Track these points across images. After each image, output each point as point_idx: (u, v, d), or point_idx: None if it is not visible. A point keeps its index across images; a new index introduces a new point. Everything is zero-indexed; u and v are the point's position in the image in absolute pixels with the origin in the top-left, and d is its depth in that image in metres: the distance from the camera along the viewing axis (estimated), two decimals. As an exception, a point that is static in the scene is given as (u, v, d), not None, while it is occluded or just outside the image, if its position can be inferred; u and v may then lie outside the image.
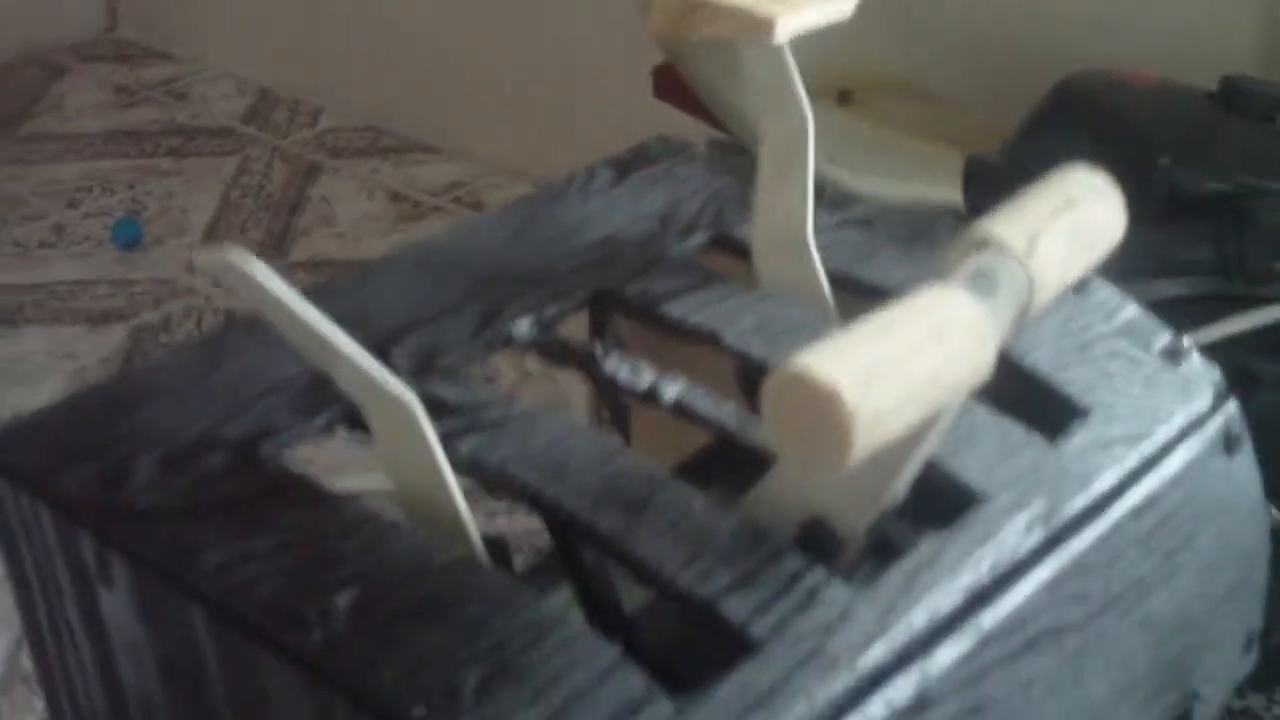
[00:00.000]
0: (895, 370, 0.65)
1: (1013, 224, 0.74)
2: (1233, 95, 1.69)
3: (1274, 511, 1.52)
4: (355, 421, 0.86)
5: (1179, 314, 1.03)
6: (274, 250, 2.80)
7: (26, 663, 2.02)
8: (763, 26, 0.86)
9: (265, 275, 0.73)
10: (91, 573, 0.82)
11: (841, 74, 2.01)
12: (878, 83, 2.05)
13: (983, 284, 0.71)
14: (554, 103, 2.81)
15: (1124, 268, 0.99)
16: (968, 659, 0.77)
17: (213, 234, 2.95)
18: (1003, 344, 0.71)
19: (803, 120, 0.92)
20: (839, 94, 2.03)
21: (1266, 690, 1.95)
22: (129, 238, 2.93)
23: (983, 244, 0.73)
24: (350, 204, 2.99)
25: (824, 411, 0.63)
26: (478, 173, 2.99)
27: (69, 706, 0.90)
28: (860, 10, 0.92)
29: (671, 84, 2.11)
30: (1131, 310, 0.96)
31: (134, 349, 2.56)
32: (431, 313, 0.93)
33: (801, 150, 0.92)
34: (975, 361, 0.69)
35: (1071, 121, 1.70)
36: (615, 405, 1.02)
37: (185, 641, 0.78)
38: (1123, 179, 1.01)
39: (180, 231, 2.99)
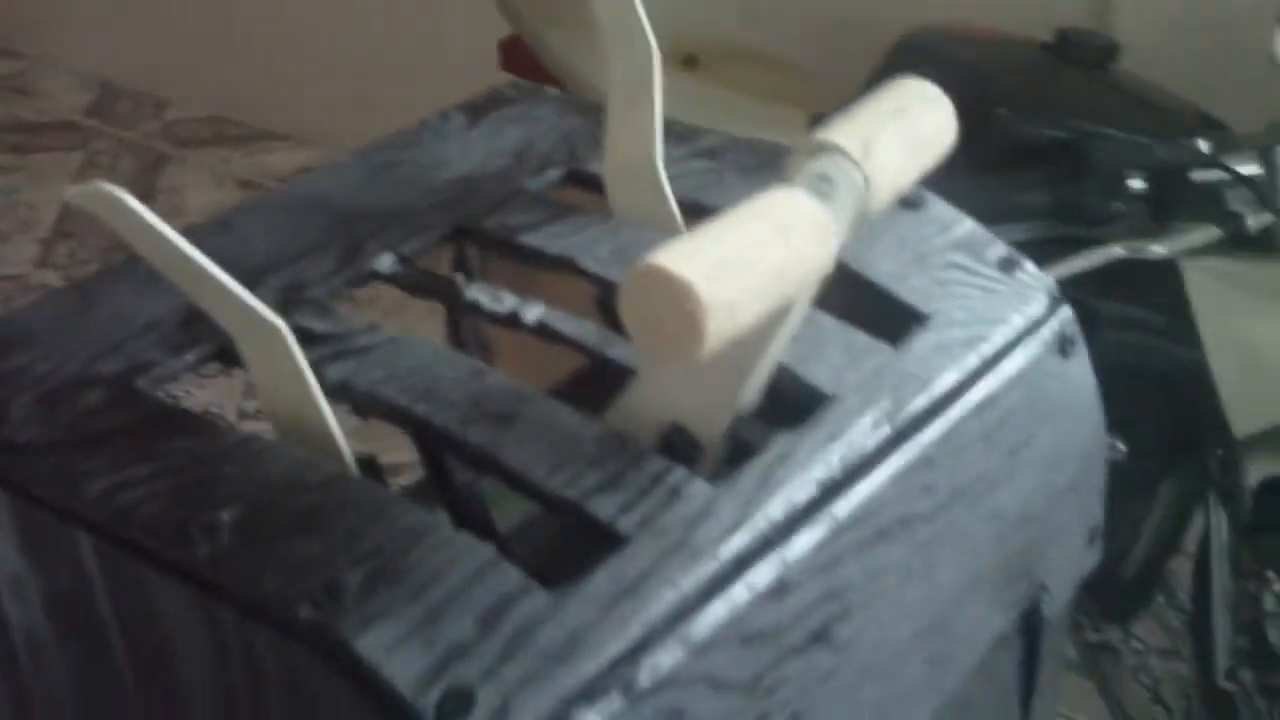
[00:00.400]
0: (744, 264, 0.70)
1: (848, 130, 0.79)
2: (1066, 45, 1.76)
3: (1118, 445, 1.59)
4: (226, 357, 0.88)
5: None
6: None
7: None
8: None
9: (137, 206, 0.75)
10: (-27, 513, 0.83)
11: (687, 40, 2.05)
12: (722, 48, 2.10)
13: (822, 186, 0.76)
14: (400, 80, 2.82)
15: (967, 213, 1.04)
16: (823, 546, 0.81)
17: (61, 229, 2.93)
18: (842, 242, 0.76)
19: (648, 54, 0.95)
20: (684, 59, 2.07)
21: (1122, 623, 2.02)
22: (-23, 235, 2.90)
23: (820, 149, 0.78)
24: (200, 193, 2.99)
25: (678, 304, 0.67)
26: (327, 156, 3.01)
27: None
28: None
29: (519, 56, 2.14)
30: (967, 225, 1.01)
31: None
32: (294, 252, 0.96)
33: (647, 83, 0.96)
34: (818, 257, 0.73)
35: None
36: (474, 337, 1.06)
37: (72, 572, 0.80)
38: (962, 127, 1.06)
39: (27, 227, 2.98)
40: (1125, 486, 1.73)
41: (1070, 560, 1.02)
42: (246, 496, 0.77)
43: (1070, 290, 1.02)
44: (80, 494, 0.79)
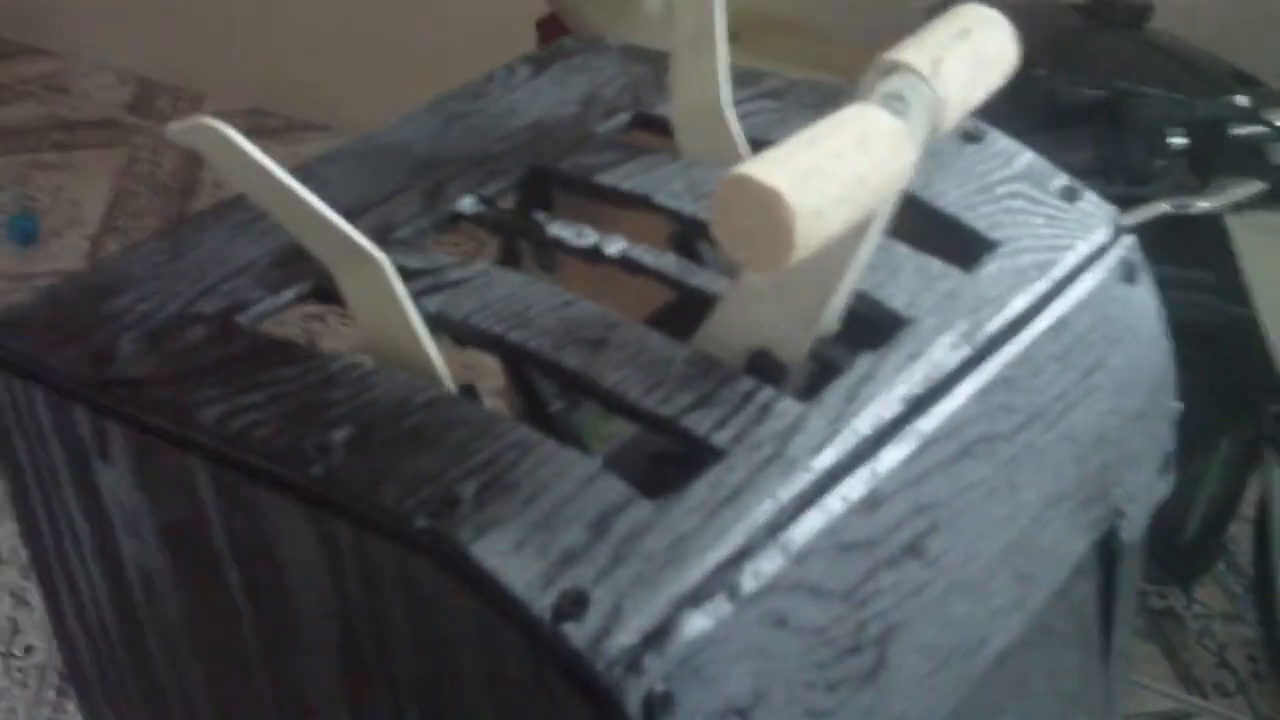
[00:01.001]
0: (828, 173, 0.72)
1: (918, 50, 0.81)
2: (1100, 7, 1.78)
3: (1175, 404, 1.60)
4: (322, 294, 0.91)
5: None
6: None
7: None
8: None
9: (242, 141, 0.78)
10: (89, 449, 0.86)
11: (729, 15, 2.08)
12: (762, 21, 2.12)
13: (896, 103, 0.79)
14: (437, 67, 2.84)
15: None
16: (911, 461, 0.84)
17: (108, 223, 2.97)
18: (917, 157, 0.78)
19: (711, -1, 0.98)
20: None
21: (1185, 588, 2.05)
22: (25, 232, 2.93)
23: (891, 69, 0.80)
24: (240, 185, 3.02)
25: (768, 210, 0.70)
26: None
27: (67, 593, 0.95)
28: None
29: (556, 34, 2.17)
30: (1029, 156, 1.04)
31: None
32: (378, 197, 0.98)
33: (711, 23, 0.99)
34: (897, 167, 0.76)
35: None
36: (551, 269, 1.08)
37: (186, 501, 0.83)
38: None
39: (75, 223, 3.01)
40: (1182, 447, 1.76)
41: (1145, 486, 1.04)
42: (356, 418, 0.79)
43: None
44: (194, 422, 0.81)
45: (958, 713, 0.91)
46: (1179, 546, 1.92)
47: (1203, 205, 1.62)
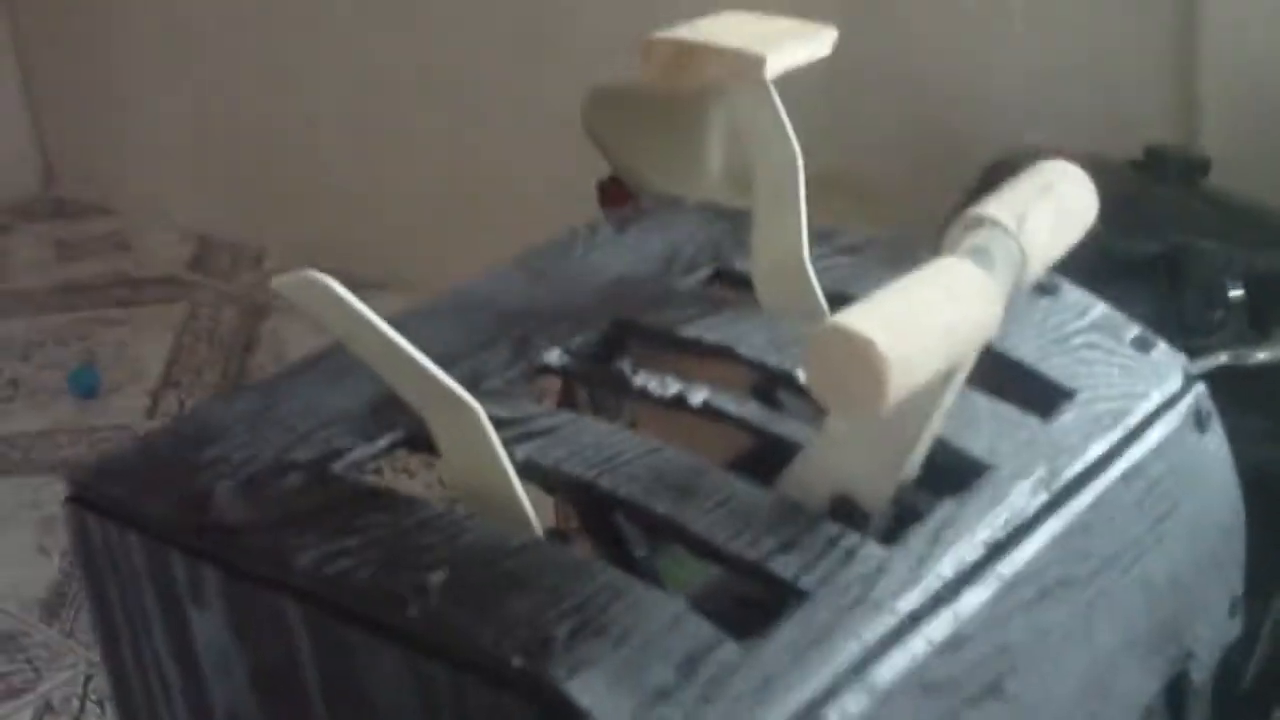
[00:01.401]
0: (918, 323, 0.75)
1: (1002, 205, 0.84)
2: (1156, 162, 1.81)
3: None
4: (415, 443, 0.93)
5: None
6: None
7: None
8: (753, 65, 0.96)
9: (342, 291, 0.81)
10: (182, 594, 0.88)
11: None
12: (811, 178, 2.16)
13: (981, 257, 0.81)
14: (500, 227, 2.90)
15: None
16: (992, 603, 0.85)
17: (169, 379, 3.01)
18: (1003, 308, 0.81)
19: (792, 154, 1.01)
20: None
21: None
22: (87, 386, 2.98)
23: (977, 223, 0.83)
24: (301, 341, 3.06)
25: (861, 358, 0.72)
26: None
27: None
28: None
29: (619, 195, 2.21)
30: (1101, 308, 1.06)
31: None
32: (468, 349, 1.01)
33: (793, 181, 1.02)
34: (984, 318, 0.78)
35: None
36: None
37: (280, 645, 0.84)
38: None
39: (136, 378, 3.05)
40: (1243, 597, 1.75)
41: (1215, 629, 1.05)
42: (451, 561, 0.81)
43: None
44: (289, 566, 0.83)
45: None
46: (1236, 695, 1.91)
47: (1261, 356, 1.63)
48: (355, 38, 3.06)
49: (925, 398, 0.83)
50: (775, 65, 0.96)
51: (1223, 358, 1.61)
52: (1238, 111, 2.10)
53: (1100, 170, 1.91)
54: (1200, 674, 1.04)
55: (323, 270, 0.90)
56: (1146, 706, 1.01)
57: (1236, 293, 1.64)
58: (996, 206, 0.84)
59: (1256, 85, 2.09)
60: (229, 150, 3.41)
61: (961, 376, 0.86)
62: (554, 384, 1.18)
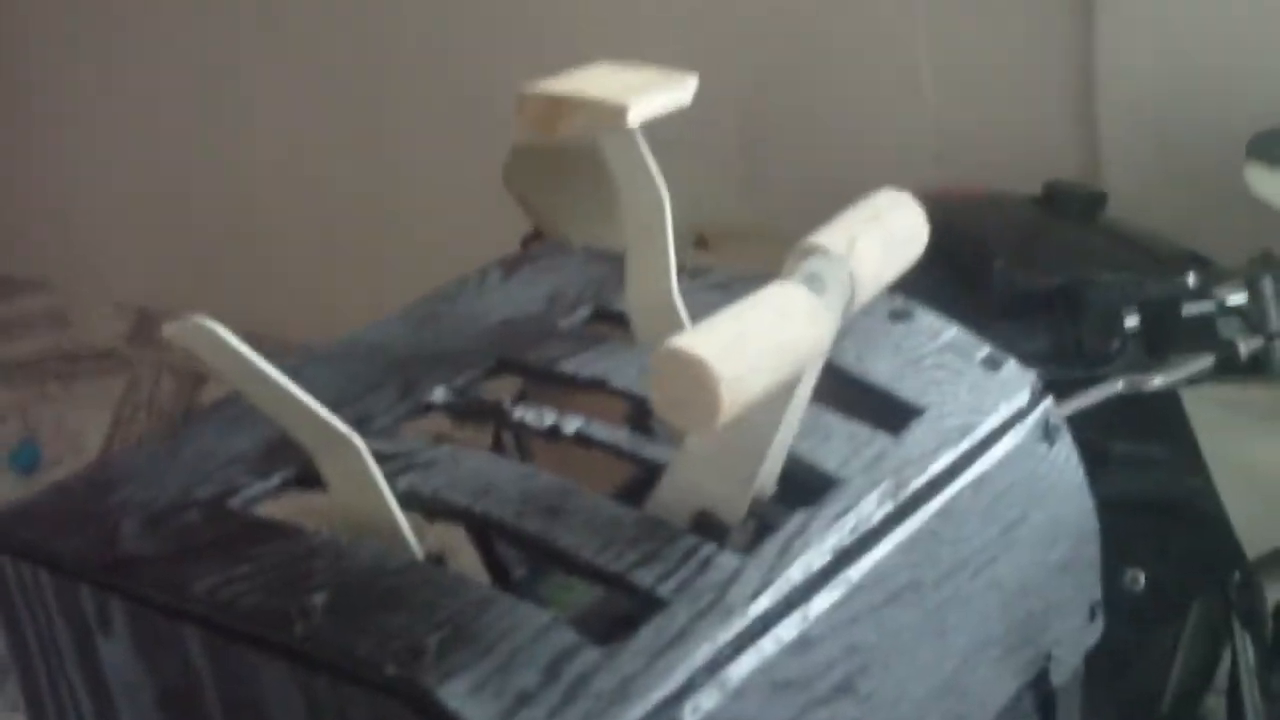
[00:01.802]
0: (749, 344, 0.82)
1: (833, 232, 0.91)
2: (1056, 197, 1.88)
3: (1139, 577, 1.67)
4: (305, 480, 1.00)
5: None
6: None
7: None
8: (617, 113, 1.03)
9: (230, 337, 0.88)
10: (91, 625, 0.95)
11: (695, 222, 2.19)
12: (731, 231, 2.23)
13: (814, 282, 0.88)
14: (430, 288, 2.96)
15: None
16: (840, 606, 0.92)
17: (109, 450, 3.06)
18: (835, 328, 0.88)
19: (658, 196, 1.09)
20: (696, 239, 2.21)
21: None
22: (28, 462, 3.02)
23: (810, 251, 0.90)
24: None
25: (695, 377, 0.80)
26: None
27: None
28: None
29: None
30: (953, 331, 1.14)
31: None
32: (357, 391, 1.08)
33: (660, 221, 1.09)
34: (813, 337, 0.86)
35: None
36: (521, 451, 1.18)
37: (181, 667, 0.91)
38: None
39: (77, 451, 3.10)
40: (1153, 621, 1.81)
41: (1074, 632, 1.12)
42: (334, 583, 0.88)
43: (1078, 429, 1.13)
44: (187, 594, 0.90)
45: None
46: (1157, 718, 1.97)
47: (1158, 382, 1.69)
48: (291, 109, 3.12)
49: (767, 414, 0.90)
50: (638, 113, 1.04)
51: (1120, 385, 1.68)
52: (1133, 147, 2.18)
53: (1002, 206, 1.99)
54: (1061, 676, 1.11)
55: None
56: (1007, 707, 1.07)
57: (1132, 321, 1.71)
58: (827, 234, 0.91)
59: (1150, 122, 2.17)
60: (166, 223, 3.46)
61: (804, 394, 0.93)
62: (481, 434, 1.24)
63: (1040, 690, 1.10)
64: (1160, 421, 1.73)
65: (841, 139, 2.37)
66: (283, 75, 3.10)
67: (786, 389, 0.90)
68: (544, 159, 2.26)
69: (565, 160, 2.25)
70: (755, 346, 0.82)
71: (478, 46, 2.76)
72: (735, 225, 2.25)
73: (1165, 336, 1.70)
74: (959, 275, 1.67)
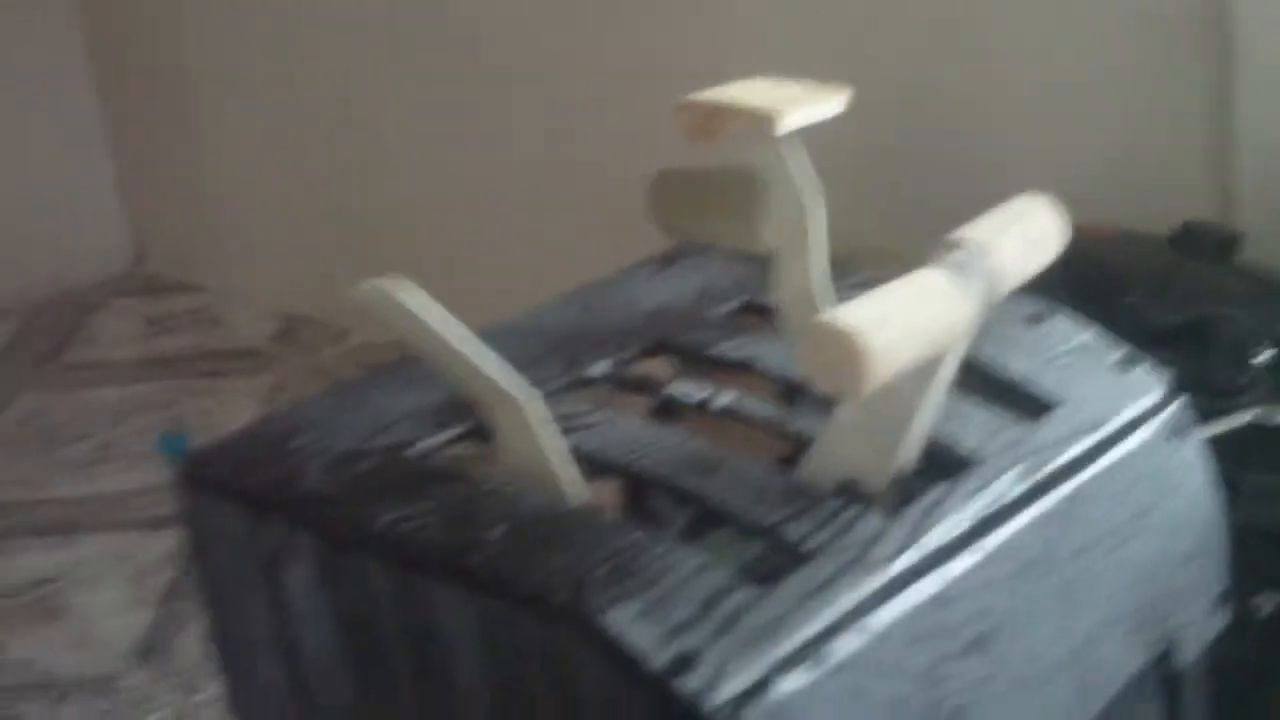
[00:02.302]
0: (894, 319, 0.89)
1: (977, 229, 0.98)
2: (1190, 238, 1.91)
3: (1263, 604, 1.70)
4: (479, 435, 1.08)
5: None
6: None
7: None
8: (768, 121, 1.11)
9: (418, 297, 0.96)
10: (278, 554, 1.03)
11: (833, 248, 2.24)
12: (866, 254, 2.29)
13: (957, 271, 0.96)
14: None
15: None
16: (976, 570, 0.98)
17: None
18: (975, 314, 0.95)
19: (807, 200, 1.15)
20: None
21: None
22: (176, 448, 3.12)
23: (953, 245, 0.97)
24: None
25: (844, 347, 0.87)
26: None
27: (248, 687, 1.10)
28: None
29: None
30: (1088, 333, 1.20)
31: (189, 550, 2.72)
32: (521, 365, 1.15)
33: (805, 219, 1.16)
34: (955, 319, 0.93)
35: (1049, 274, 1.93)
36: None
37: (362, 595, 0.99)
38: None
39: (223, 441, 3.18)
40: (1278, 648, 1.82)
41: (1200, 618, 1.17)
42: (506, 522, 0.96)
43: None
44: (370, 527, 0.98)
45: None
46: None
47: (1285, 415, 1.72)
48: (441, 123, 3.21)
49: (911, 390, 0.97)
50: (788, 121, 1.11)
51: (1249, 416, 1.72)
52: (1271, 188, 2.21)
53: (1136, 244, 2.03)
54: (1183, 658, 1.16)
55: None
56: (1131, 685, 1.13)
57: (1263, 356, 1.75)
58: (970, 230, 0.98)
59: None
60: (315, 230, 3.56)
61: (946, 375, 1.00)
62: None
63: (1165, 672, 1.15)
64: None
65: (975, 170, 2.41)
66: (418, 90, 3.19)
67: (930, 367, 0.97)
68: (686, 184, 2.33)
69: (707, 185, 2.32)
70: (901, 321, 0.90)
71: (620, 64, 2.83)
72: (871, 249, 2.31)
73: (1298, 372, 1.73)
74: (1090, 310, 1.70)
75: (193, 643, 2.47)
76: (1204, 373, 1.73)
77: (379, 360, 1.18)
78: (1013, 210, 1.02)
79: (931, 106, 2.48)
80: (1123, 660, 1.10)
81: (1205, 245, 1.89)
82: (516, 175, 3.12)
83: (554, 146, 3.01)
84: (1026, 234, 1.00)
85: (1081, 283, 1.81)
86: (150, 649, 2.50)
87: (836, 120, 1.20)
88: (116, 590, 2.65)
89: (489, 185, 3.18)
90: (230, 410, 3.30)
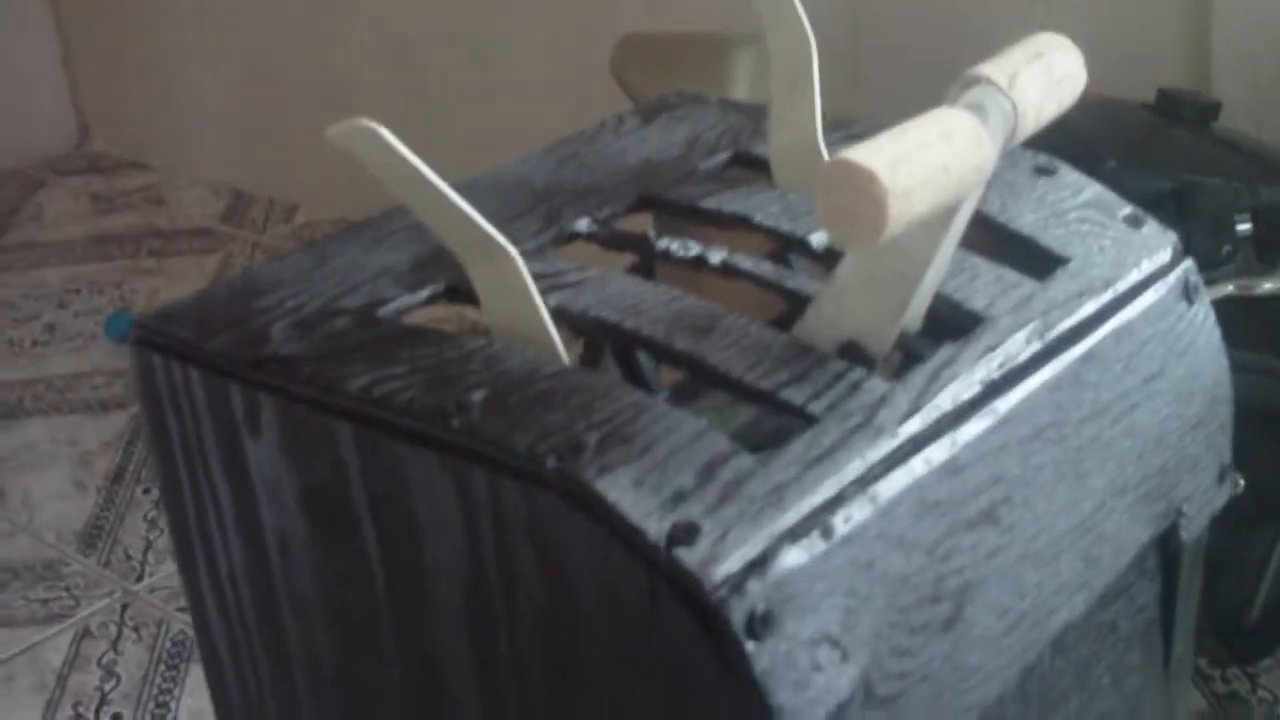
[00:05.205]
0: (915, 159, 0.82)
1: (997, 66, 0.91)
2: (1169, 105, 1.86)
3: (1239, 479, 1.66)
4: (455, 294, 1.01)
5: None
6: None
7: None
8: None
9: (395, 141, 0.88)
10: (239, 423, 0.96)
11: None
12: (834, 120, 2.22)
13: (976, 109, 0.88)
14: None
15: None
16: (988, 435, 0.92)
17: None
18: (996, 157, 0.88)
19: (805, 40, 1.08)
20: None
21: (1249, 671, 2.08)
22: (122, 330, 3.05)
23: (972, 81, 0.90)
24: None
25: (863, 188, 0.80)
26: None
27: (205, 567, 1.04)
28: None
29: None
30: (1096, 188, 1.13)
31: (135, 434, 2.68)
32: (502, 219, 1.08)
33: (806, 64, 1.09)
34: (976, 160, 0.86)
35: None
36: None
37: (329, 464, 0.92)
38: None
39: (170, 324, 3.11)
40: (1250, 526, 1.80)
41: (1203, 491, 1.12)
42: (491, 383, 0.89)
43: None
44: (340, 391, 0.91)
45: (1026, 691, 0.99)
46: (1243, 628, 1.97)
47: (1268, 287, 1.68)
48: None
49: (923, 240, 0.90)
50: None
51: (1230, 288, 1.68)
52: (1248, 56, 2.16)
53: (1114, 111, 1.98)
54: (1189, 532, 1.11)
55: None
56: (1138, 561, 1.08)
57: (1244, 226, 1.70)
58: (991, 67, 0.91)
59: (1266, 31, 2.14)
60: (263, 106, 3.48)
61: (959, 226, 0.93)
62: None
63: (1167, 547, 1.10)
64: (1270, 329, 1.73)
65: (951, 38, 2.36)
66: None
67: (945, 215, 0.90)
68: (653, 50, 2.26)
69: (675, 52, 2.25)
70: (922, 163, 0.82)
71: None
72: (840, 117, 2.25)
73: (1276, 243, 1.69)
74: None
75: (140, 527, 2.42)
76: (1184, 242, 1.69)
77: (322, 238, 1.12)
78: (1033, 46, 0.94)
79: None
80: (1130, 533, 1.04)
81: (1184, 112, 1.84)
82: (472, 41, 3.03)
83: (521, 20, 2.93)
84: (1048, 72, 0.93)
85: (1059, 148, 1.76)
86: (96, 534, 2.45)
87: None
88: (62, 475, 2.60)
89: (442, 54, 3.10)
90: (178, 290, 3.23)
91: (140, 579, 2.33)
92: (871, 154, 0.81)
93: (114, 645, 2.20)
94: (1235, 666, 2.09)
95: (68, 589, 2.33)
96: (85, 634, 2.23)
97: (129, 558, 2.38)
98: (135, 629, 2.23)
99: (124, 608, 2.28)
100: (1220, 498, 1.14)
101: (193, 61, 3.56)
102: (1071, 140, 1.76)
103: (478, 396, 0.88)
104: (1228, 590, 1.88)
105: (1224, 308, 1.62)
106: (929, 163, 0.83)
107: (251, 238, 3.42)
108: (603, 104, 2.20)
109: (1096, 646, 1.07)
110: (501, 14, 2.95)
